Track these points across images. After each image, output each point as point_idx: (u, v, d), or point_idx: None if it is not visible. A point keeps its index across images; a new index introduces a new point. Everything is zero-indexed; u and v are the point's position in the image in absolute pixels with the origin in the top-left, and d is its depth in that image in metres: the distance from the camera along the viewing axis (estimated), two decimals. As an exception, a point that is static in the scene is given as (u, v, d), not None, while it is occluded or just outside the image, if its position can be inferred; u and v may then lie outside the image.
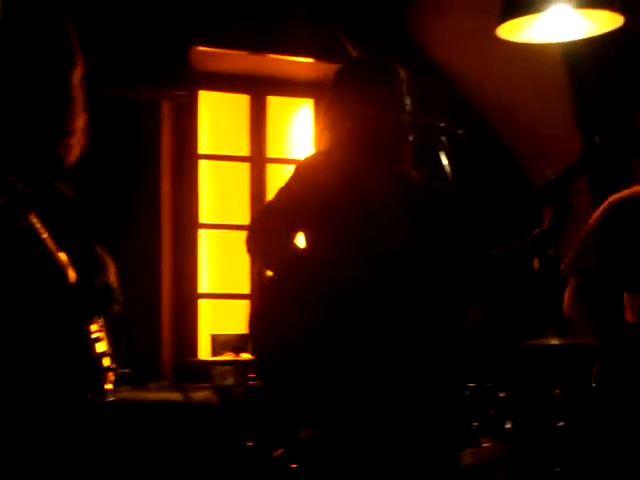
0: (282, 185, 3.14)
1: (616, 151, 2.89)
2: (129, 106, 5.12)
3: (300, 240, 3.16)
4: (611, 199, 3.28)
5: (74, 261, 2.71)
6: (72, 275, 2.68)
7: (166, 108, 5.56)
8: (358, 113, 3.10)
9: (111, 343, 2.95)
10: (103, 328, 2.90)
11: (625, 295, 3.20)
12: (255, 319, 3.07)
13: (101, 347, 2.88)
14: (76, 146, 2.70)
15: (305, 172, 3.15)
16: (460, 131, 3.05)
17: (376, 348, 2.93)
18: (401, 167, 3.14)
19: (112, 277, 2.96)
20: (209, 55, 5.64)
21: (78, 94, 2.70)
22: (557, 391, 4.62)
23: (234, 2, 5.53)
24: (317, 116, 6.13)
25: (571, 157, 3.24)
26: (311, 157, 3.21)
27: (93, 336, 2.82)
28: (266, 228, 3.04)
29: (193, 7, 5.41)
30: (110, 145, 4.95)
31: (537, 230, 2.96)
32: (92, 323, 2.82)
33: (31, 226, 2.53)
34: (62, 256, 2.66)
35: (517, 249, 2.98)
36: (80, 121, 2.70)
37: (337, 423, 3.00)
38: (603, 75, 5.09)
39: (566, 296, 3.26)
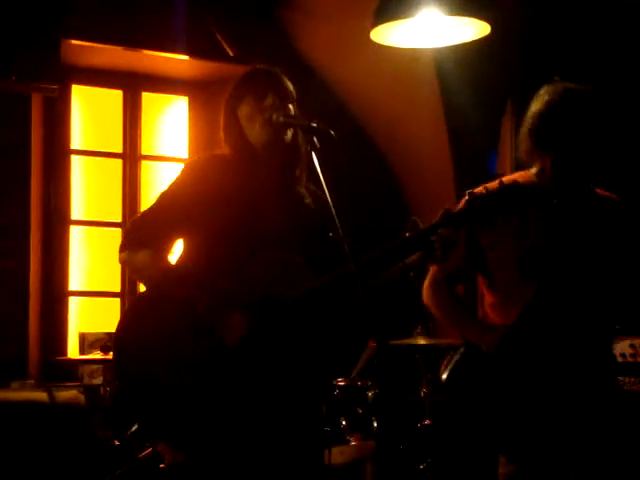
0: (168, 186, 3.16)
1: (506, 200, 2.91)
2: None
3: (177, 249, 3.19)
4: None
5: None
6: None
7: (37, 101, 5.44)
8: (237, 132, 3.14)
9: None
10: None
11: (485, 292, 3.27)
12: (120, 331, 3.07)
13: None
14: None
15: (194, 169, 3.19)
16: (331, 131, 3.07)
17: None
18: (292, 174, 3.18)
19: None
20: (82, 49, 5.54)
21: None
22: (424, 389, 4.72)
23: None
24: (191, 114, 6.11)
25: (443, 166, 3.31)
26: (201, 157, 3.25)
27: None
28: (137, 240, 3.08)
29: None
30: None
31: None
32: None
33: None
34: None
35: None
36: None
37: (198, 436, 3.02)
38: (472, 82, 5.21)
39: (425, 285, 3.31)
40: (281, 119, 3.12)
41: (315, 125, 3.03)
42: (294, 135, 3.17)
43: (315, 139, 3.01)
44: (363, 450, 4.43)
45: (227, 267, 3.04)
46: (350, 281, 2.84)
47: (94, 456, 4.21)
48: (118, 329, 3.05)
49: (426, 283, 3.30)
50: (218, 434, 2.98)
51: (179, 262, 3.17)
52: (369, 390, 4.54)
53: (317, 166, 2.95)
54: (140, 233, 3.10)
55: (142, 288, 3.36)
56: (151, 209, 3.16)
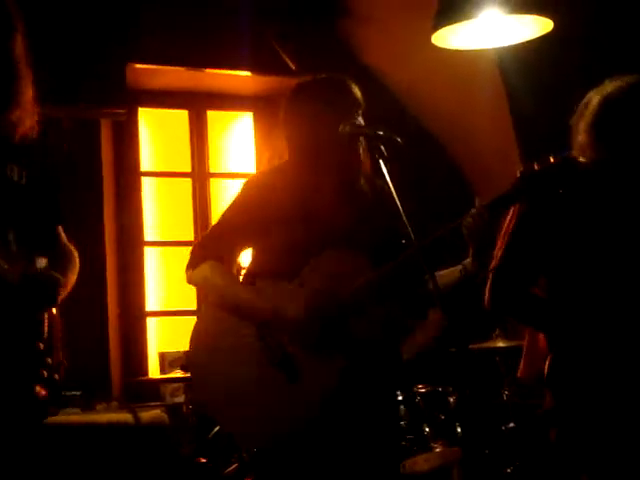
0: (229, 204, 3.20)
1: (555, 180, 2.87)
2: (68, 126, 5.08)
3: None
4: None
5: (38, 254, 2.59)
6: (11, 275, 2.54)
7: (106, 126, 5.53)
8: (308, 130, 3.15)
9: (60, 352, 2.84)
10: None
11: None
12: (192, 348, 3.12)
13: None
14: (26, 119, 2.56)
15: (253, 186, 3.21)
16: (398, 139, 3.07)
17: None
18: (354, 182, 3.18)
19: (73, 273, 2.82)
20: (147, 72, 5.62)
21: (22, 65, 2.56)
22: (505, 392, 4.66)
23: (170, 18, 5.52)
24: (257, 129, 6.14)
25: (509, 169, 3.26)
26: (260, 173, 3.27)
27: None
28: (201, 257, 3.12)
29: (129, 24, 5.38)
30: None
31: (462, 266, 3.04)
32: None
33: None
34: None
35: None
36: (27, 94, 2.56)
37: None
38: (537, 81, 5.15)
39: (485, 292, 3.28)
40: (347, 128, 3.12)
41: (382, 133, 3.04)
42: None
43: (382, 147, 3.02)
44: (448, 456, 4.39)
45: (288, 274, 3.09)
46: (413, 271, 2.89)
47: (180, 474, 4.24)
48: (190, 346, 3.10)
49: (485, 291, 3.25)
50: (295, 442, 3.02)
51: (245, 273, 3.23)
52: (450, 396, 4.52)
53: (385, 174, 2.96)
54: (203, 251, 3.14)
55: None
56: (212, 229, 3.23)
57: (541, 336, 3.18)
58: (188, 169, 6.01)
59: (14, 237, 2.59)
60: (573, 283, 3.04)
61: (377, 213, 3.15)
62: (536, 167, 2.86)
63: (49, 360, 2.60)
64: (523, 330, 4.47)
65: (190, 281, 3.20)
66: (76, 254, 2.86)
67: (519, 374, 3.30)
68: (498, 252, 3.12)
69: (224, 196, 6.05)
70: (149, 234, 5.83)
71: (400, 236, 2.99)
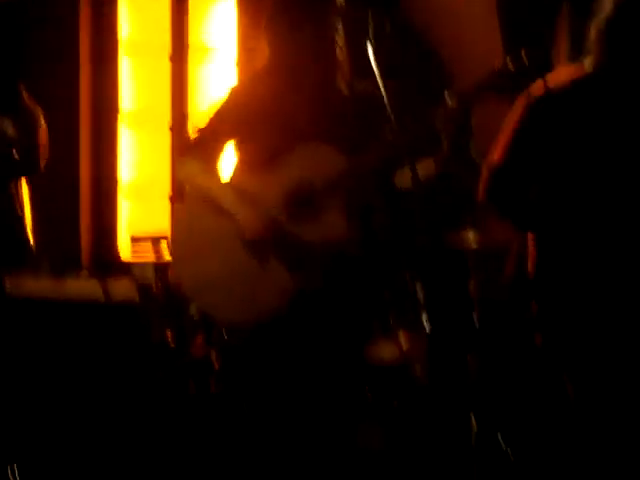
0: (215, 109, 3.44)
1: (529, 74, 2.88)
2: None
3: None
4: (526, 98, 3.25)
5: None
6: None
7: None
8: (287, 39, 3.21)
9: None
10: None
11: None
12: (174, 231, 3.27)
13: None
14: None
15: (237, 93, 3.43)
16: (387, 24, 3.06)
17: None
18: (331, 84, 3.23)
19: (42, 134, 2.81)
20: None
21: None
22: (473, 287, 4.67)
23: None
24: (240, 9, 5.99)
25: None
26: (243, 80, 3.43)
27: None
28: (195, 145, 3.40)
29: None
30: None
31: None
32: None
33: None
34: None
35: None
36: None
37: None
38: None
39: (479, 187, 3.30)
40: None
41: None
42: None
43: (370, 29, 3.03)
44: (413, 348, 4.44)
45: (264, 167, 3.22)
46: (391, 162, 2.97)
47: (150, 356, 4.27)
48: (172, 230, 3.25)
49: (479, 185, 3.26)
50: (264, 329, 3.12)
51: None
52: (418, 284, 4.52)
53: (373, 62, 2.96)
54: (191, 152, 3.43)
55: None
56: (200, 131, 3.46)
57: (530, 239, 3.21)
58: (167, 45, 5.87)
59: None
60: (567, 190, 3.06)
61: (356, 113, 3.20)
62: (511, 65, 2.88)
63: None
64: (495, 230, 4.49)
65: (180, 176, 3.51)
66: (40, 112, 2.82)
67: (505, 274, 3.34)
68: (499, 147, 3.13)
69: (203, 74, 5.95)
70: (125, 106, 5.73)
71: (378, 133, 3.04)
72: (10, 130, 2.56)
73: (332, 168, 3.17)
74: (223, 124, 3.37)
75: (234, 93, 3.42)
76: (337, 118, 3.25)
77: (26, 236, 2.67)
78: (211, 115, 3.42)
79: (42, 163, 2.73)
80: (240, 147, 3.42)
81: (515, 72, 2.91)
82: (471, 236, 4.69)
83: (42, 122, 2.81)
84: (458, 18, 5.51)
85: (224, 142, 3.40)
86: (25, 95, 2.78)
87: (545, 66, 2.98)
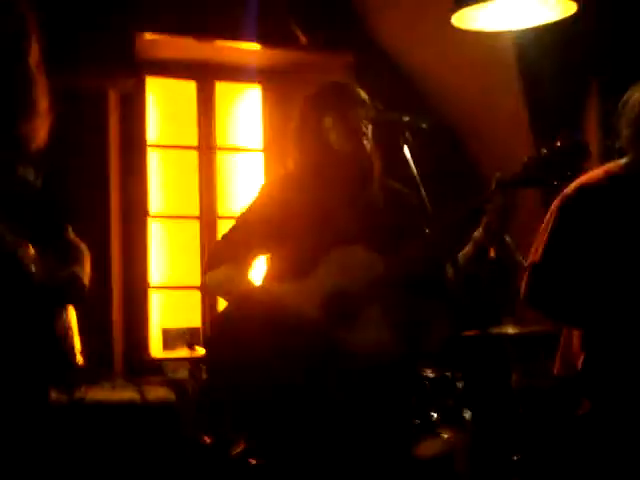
0: (244, 208, 3.25)
1: (564, 160, 2.86)
2: (75, 96, 4.99)
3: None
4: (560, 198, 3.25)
5: (43, 251, 2.60)
6: (34, 268, 2.56)
7: (113, 97, 5.44)
8: (322, 141, 3.14)
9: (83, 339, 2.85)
10: (70, 322, 2.79)
11: None
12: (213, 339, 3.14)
13: (72, 341, 2.77)
14: (41, 129, 2.58)
15: (267, 193, 3.25)
16: (424, 125, 3.05)
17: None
18: (364, 189, 3.17)
19: (86, 266, 2.84)
20: (156, 42, 5.52)
21: (38, 74, 2.56)
22: (514, 378, 4.62)
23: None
24: (265, 102, 6.05)
25: (523, 152, 3.24)
26: (273, 179, 3.31)
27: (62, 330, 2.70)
28: (218, 260, 3.18)
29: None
30: (57, 138, 4.82)
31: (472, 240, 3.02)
32: (59, 316, 2.69)
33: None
34: (23, 249, 2.53)
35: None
36: (43, 103, 2.57)
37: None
38: (552, 64, 5.08)
39: (522, 287, 3.25)
40: (372, 113, 3.09)
41: (407, 119, 3.02)
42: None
43: (407, 133, 3.00)
44: (454, 442, 4.37)
45: (300, 276, 3.08)
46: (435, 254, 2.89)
47: (185, 455, 4.21)
48: (209, 337, 3.14)
49: (522, 286, 3.21)
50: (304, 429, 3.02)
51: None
52: (459, 381, 4.48)
53: (410, 162, 2.94)
54: (220, 253, 3.22)
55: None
56: (229, 231, 3.26)
57: (576, 335, 3.15)
58: (195, 142, 5.92)
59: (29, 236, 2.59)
60: (611, 284, 3.02)
61: (389, 214, 3.14)
62: (543, 151, 2.87)
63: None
64: (531, 317, 4.44)
65: (205, 285, 3.26)
66: (85, 248, 2.86)
67: (554, 371, 3.27)
68: (538, 247, 3.10)
69: (230, 170, 5.98)
70: (154, 207, 5.75)
71: (414, 233, 2.99)
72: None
73: (370, 272, 3.06)
74: (252, 229, 3.18)
75: (263, 196, 3.25)
76: (372, 219, 3.15)
77: (70, 351, 2.69)
78: (239, 221, 3.25)
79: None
80: (271, 255, 3.25)
81: (550, 157, 2.88)
82: (512, 327, 4.66)
83: (87, 256, 2.86)
84: (488, 112, 5.54)
85: (253, 249, 3.21)
86: (71, 234, 2.83)
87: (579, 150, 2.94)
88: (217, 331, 3.15)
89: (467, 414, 4.40)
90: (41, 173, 2.65)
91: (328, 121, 3.15)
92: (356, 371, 3.00)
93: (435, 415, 4.36)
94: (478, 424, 4.42)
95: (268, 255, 3.25)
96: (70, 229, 2.84)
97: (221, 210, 5.86)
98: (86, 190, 5.24)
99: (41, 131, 2.60)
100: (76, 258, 2.82)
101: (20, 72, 2.53)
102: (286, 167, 3.32)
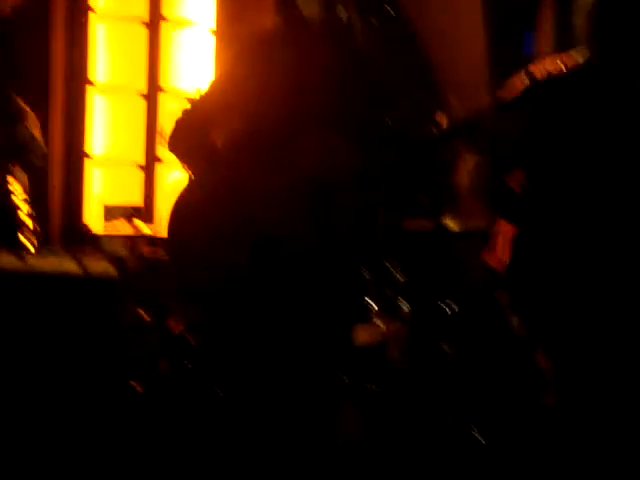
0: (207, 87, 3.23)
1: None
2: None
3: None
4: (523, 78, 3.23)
5: None
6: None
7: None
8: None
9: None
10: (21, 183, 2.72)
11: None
12: (174, 219, 3.10)
13: (21, 203, 2.72)
14: None
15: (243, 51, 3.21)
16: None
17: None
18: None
19: (35, 130, 2.77)
20: None
21: None
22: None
23: None
24: None
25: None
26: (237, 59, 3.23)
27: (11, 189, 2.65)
28: (187, 125, 3.16)
29: None
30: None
31: None
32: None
33: None
34: None
35: None
36: None
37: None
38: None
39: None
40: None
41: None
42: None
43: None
44: (390, 332, 4.43)
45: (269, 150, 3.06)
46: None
47: (126, 332, 4.22)
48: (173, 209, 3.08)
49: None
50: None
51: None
52: (399, 272, 4.52)
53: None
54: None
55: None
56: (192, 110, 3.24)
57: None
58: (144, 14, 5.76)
59: None
60: (558, 184, 3.05)
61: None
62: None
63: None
64: (474, 214, 4.48)
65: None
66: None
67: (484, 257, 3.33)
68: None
69: (177, 45, 5.84)
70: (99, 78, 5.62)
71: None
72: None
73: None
74: (214, 105, 3.17)
75: (227, 70, 3.28)
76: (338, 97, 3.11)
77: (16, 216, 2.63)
78: (200, 97, 3.25)
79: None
80: (232, 131, 3.21)
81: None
82: (451, 221, 4.70)
83: (34, 119, 2.77)
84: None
85: (216, 125, 3.19)
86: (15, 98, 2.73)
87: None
88: (180, 208, 3.12)
89: (405, 306, 4.47)
90: None
91: None
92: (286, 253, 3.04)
93: (372, 304, 4.42)
94: (415, 316, 4.50)
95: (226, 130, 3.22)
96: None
97: (164, 85, 5.75)
98: (28, 51, 5.11)
99: None
100: (24, 120, 2.72)
101: None
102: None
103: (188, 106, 3.25)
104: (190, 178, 3.20)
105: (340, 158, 3.01)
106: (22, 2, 4.53)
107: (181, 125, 3.19)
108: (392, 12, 3.03)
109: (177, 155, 3.21)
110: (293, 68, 3.09)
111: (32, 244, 2.70)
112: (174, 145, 3.19)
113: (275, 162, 3.02)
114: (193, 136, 3.14)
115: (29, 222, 2.68)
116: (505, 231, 3.20)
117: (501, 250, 3.20)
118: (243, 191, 3.01)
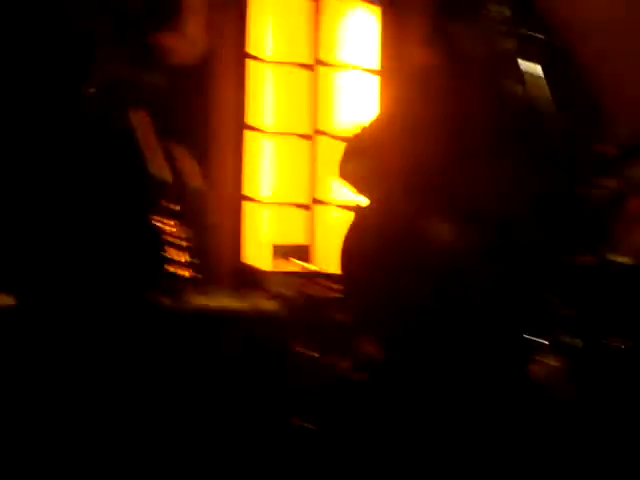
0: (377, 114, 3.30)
1: None
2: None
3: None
4: None
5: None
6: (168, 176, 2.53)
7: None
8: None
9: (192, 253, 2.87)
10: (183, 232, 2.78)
11: None
12: (348, 253, 3.15)
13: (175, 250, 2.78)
14: (183, 46, 2.43)
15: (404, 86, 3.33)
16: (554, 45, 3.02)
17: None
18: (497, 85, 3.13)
19: (198, 180, 2.85)
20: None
21: None
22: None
23: None
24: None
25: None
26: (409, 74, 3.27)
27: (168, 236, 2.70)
28: (359, 152, 3.22)
29: None
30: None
31: None
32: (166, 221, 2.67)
33: (128, 126, 2.35)
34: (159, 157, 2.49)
35: None
36: (193, 22, 2.41)
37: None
38: None
39: None
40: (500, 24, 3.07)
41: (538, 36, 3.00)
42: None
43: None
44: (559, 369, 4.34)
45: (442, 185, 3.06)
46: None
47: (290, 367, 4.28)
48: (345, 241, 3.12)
49: None
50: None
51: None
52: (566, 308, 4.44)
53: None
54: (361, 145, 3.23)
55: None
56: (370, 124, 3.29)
57: None
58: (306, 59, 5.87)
59: None
60: None
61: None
62: None
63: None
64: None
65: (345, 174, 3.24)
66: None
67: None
68: None
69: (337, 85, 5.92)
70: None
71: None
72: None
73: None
74: (382, 136, 3.22)
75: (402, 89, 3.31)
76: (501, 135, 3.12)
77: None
78: (369, 125, 3.30)
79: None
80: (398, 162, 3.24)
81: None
82: (619, 255, 4.59)
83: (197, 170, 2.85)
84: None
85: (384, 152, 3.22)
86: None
87: None
88: (352, 245, 3.16)
89: (575, 341, 4.37)
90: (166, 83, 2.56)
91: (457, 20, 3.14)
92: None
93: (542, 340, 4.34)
94: (587, 352, 4.39)
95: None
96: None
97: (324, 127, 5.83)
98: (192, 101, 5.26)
99: (182, 48, 2.44)
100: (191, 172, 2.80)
101: None
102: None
103: (358, 131, 3.29)
104: (360, 210, 3.23)
105: (516, 190, 3.01)
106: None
107: (351, 150, 3.21)
108: (552, 42, 2.99)
109: (348, 181, 3.25)
110: (455, 103, 3.12)
111: (194, 282, 2.76)
112: (344, 170, 3.22)
113: (448, 196, 3.04)
114: (365, 162, 3.16)
115: (188, 260, 2.74)
116: None
117: None
118: (416, 223, 3.03)
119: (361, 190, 3.20)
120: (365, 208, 3.24)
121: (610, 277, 4.53)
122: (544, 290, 4.40)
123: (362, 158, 3.22)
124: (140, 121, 2.32)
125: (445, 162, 3.09)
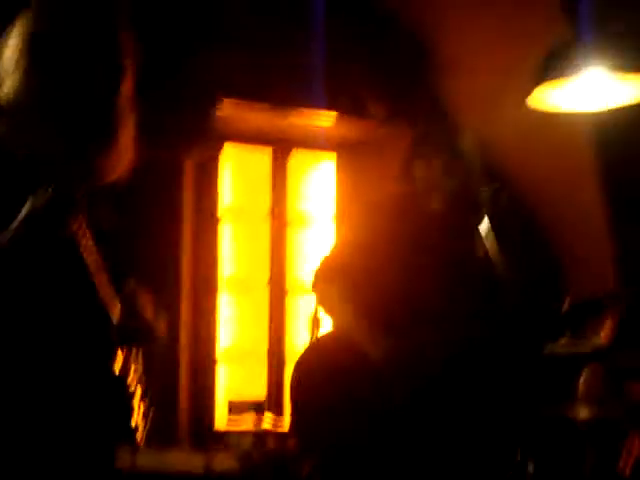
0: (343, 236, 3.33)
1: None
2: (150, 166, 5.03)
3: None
4: None
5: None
6: (116, 312, 2.42)
7: (188, 166, 5.51)
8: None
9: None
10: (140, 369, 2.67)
11: None
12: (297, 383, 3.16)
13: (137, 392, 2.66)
14: (118, 164, 2.36)
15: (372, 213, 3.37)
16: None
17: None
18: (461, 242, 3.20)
19: (149, 312, 2.75)
20: (233, 111, 5.57)
21: (126, 106, 2.31)
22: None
23: (257, 59, 5.48)
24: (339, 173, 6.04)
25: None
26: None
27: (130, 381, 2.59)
28: (329, 278, 3.27)
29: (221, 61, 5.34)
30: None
31: None
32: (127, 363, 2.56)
33: (76, 238, 2.19)
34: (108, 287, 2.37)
35: None
36: (125, 137, 2.35)
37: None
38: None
39: None
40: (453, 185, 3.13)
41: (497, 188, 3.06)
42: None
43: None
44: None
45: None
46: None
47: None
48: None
49: None
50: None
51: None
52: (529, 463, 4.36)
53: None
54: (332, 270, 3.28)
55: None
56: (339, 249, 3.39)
57: None
58: (267, 210, 5.93)
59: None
60: None
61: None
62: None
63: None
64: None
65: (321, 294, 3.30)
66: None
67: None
68: None
69: (301, 239, 5.97)
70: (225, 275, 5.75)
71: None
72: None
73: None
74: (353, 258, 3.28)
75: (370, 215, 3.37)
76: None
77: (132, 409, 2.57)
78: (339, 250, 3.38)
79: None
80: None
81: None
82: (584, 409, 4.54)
83: (149, 302, 2.74)
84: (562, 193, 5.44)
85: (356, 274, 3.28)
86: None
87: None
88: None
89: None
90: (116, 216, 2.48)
91: (417, 173, 3.24)
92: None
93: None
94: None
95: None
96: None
97: (290, 280, 5.85)
98: (156, 256, 5.27)
99: (117, 167, 2.36)
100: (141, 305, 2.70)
101: (108, 100, 2.27)
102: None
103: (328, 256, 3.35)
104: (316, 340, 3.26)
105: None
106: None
107: (320, 273, 3.30)
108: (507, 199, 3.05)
109: (319, 298, 3.29)
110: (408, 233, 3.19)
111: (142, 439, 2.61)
112: (317, 288, 3.29)
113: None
114: (334, 282, 3.24)
115: (142, 417, 2.61)
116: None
117: None
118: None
119: (329, 308, 3.30)
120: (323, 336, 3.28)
121: (572, 432, 4.47)
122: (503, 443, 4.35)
123: (329, 282, 3.29)
124: (90, 250, 2.21)
125: (402, 289, 3.17)
